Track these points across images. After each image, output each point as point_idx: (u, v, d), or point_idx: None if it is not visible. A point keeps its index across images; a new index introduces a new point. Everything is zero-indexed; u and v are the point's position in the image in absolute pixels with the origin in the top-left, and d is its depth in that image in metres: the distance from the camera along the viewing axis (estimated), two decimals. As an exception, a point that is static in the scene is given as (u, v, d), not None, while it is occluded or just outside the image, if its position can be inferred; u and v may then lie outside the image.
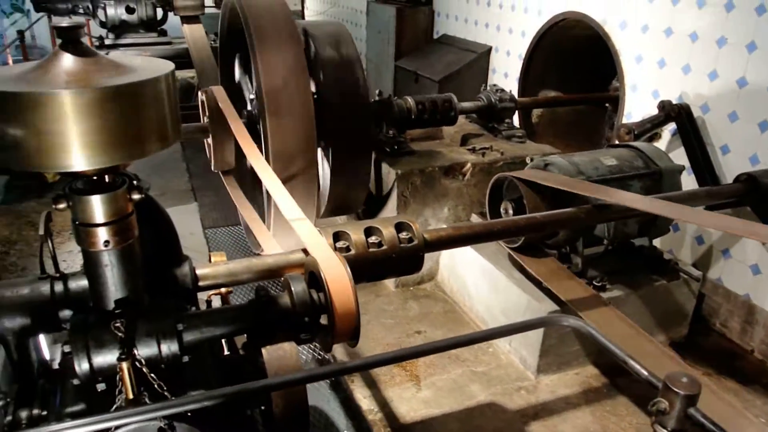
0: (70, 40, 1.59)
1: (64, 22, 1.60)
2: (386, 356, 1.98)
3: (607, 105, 6.59)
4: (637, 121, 4.82)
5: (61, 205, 1.74)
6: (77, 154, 1.53)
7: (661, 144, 4.94)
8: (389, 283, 5.05)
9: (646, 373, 1.56)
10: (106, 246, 1.78)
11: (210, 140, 4.28)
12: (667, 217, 3.70)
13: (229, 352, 2.53)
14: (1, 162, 1.60)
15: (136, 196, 1.80)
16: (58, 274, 2.09)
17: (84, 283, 2.04)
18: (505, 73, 7.06)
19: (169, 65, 1.71)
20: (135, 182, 1.82)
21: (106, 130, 1.52)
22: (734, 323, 4.51)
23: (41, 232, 2.13)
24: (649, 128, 4.76)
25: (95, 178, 1.74)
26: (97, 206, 1.73)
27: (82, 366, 1.82)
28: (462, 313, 4.76)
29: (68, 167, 1.56)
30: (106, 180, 1.76)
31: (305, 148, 3.86)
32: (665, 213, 3.21)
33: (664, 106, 4.72)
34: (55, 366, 2.63)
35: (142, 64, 1.69)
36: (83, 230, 1.77)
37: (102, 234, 1.77)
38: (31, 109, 1.48)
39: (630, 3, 5.24)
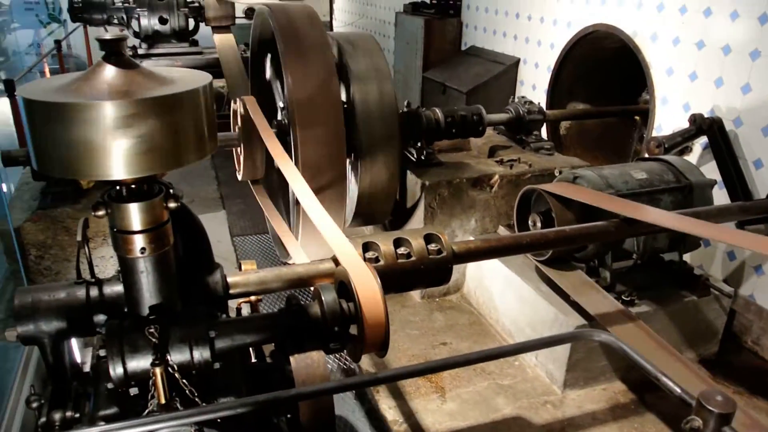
0: (113, 52, 1.64)
1: (108, 34, 1.64)
2: (414, 368, 1.98)
3: (636, 117, 6.54)
4: (668, 135, 4.77)
5: (100, 212, 1.78)
6: (117, 163, 1.57)
7: (692, 158, 4.88)
8: (415, 293, 5.05)
9: (679, 390, 1.55)
10: (142, 253, 1.82)
11: (239, 149, 4.34)
12: (698, 236, 3.66)
13: (256, 360, 2.56)
14: (44, 169, 1.64)
15: (172, 205, 1.83)
16: (93, 280, 2.13)
17: (118, 288, 2.08)
18: (533, 85, 7.05)
19: (207, 77, 1.74)
20: (171, 190, 1.85)
21: (146, 140, 1.56)
22: (767, 341, 4.42)
23: (79, 238, 2.18)
24: (680, 142, 4.71)
25: (133, 186, 1.78)
26: (135, 214, 1.77)
27: (116, 370, 1.85)
28: (488, 325, 4.74)
29: (108, 176, 1.60)
30: (144, 188, 1.80)
31: (335, 159, 3.90)
32: (695, 232, 3.17)
33: (695, 119, 4.67)
34: (86, 369, 2.68)
35: (181, 75, 1.73)
36: (120, 237, 1.81)
37: (139, 241, 1.80)
38: (75, 119, 1.52)
39: (661, 15, 5.20)
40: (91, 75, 1.64)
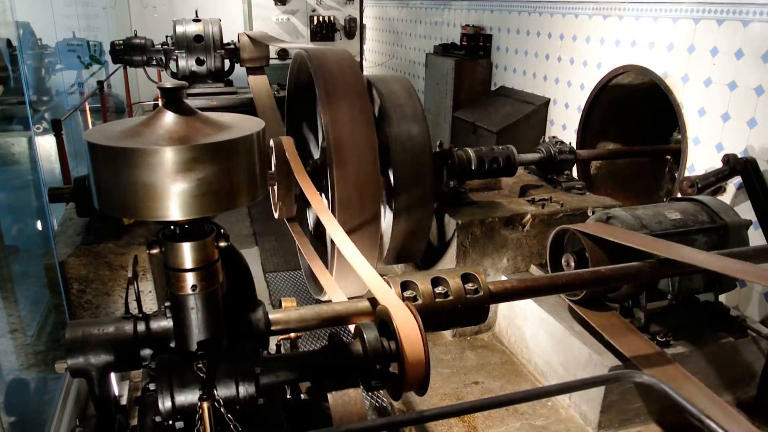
0: (172, 100, 1.73)
1: (168, 83, 1.74)
2: (448, 409, 1.99)
3: (667, 157, 6.54)
4: (701, 174, 4.77)
5: (154, 251, 1.86)
6: (175, 206, 1.64)
7: (726, 198, 4.87)
8: (446, 332, 5.05)
9: (723, 433, 1.55)
10: (193, 290, 1.88)
11: (275, 188, 4.43)
12: (734, 276, 3.63)
13: (291, 396, 2.59)
14: (105, 209, 1.73)
15: (222, 244, 1.90)
16: (141, 315, 2.20)
17: (164, 323, 2.14)
18: (564, 125, 7.10)
19: (260, 123, 1.82)
20: (222, 230, 1.93)
21: (203, 184, 1.63)
22: (807, 385, 4.32)
23: (129, 274, 2.26)
24: (713, 182, 4.70)
25: (187, 226, 1.85)
26: (187, 253, 1.84)
27: (165, 404, 1.90)
28: (520, 364, 4.71)
29: (166, 217, 1.67)
30: (197, 228, 1.87)
31: (370, 198, 3.96)
32: (731, 272, 3.15)
33: (728, 159, 4.67)
34: (123, 402, 2.70)
35: (235, 121, 1.81)
36: (173, 274, 1.88)
37: (190, 279, 1.87)
38: (136, 163, 1.60)
39: (692, 57, 5.25)
40: (152, 121, 1.72)
